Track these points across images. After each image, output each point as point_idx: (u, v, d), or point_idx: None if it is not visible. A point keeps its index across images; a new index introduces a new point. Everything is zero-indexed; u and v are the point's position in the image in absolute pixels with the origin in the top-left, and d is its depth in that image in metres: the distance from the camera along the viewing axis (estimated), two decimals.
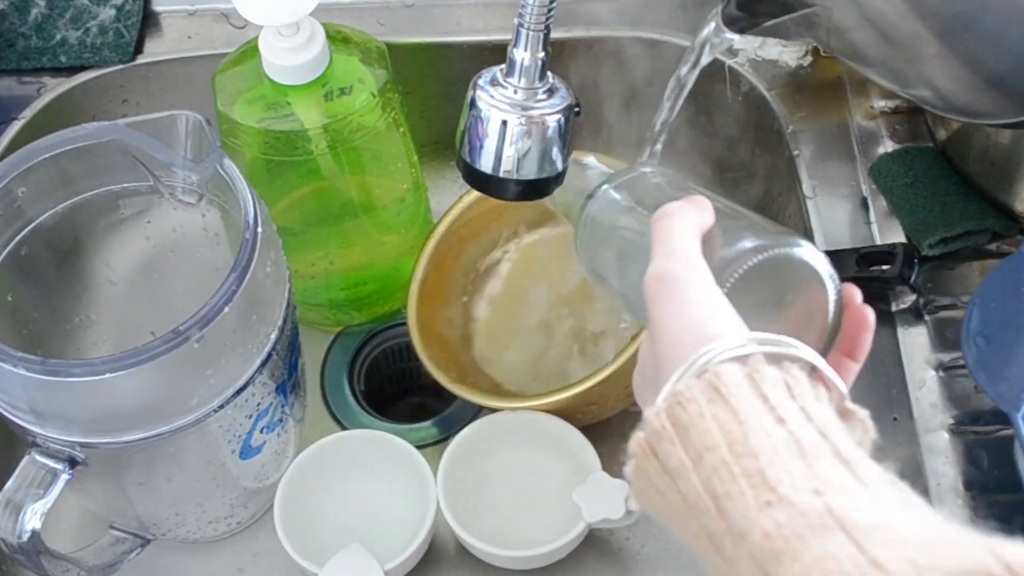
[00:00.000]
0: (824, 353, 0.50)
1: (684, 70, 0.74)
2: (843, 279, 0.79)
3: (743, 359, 0.43)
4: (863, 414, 0.44)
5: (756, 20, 0.70)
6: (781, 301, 0.51)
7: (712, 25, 0.72)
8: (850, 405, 0.45)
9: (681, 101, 0.75)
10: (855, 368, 0.51)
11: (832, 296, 0.51)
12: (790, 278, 0.51)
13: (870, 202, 0.83)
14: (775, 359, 0.44)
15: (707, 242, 0.50)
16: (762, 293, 0.50)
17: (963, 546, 0.36)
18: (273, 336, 0.69)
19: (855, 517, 0.37)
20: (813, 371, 0.45)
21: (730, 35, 0.71)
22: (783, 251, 0.50)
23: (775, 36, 0.77)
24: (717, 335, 0.44)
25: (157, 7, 0.93)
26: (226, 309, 0.63)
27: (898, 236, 0.81)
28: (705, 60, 0.73)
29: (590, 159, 0.69)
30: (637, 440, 0.44)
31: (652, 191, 0.61)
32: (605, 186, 0.63)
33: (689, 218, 0.50)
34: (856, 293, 0.51)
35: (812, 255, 0.50)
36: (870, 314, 0.51)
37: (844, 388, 0.45)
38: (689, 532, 0.42)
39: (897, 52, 0.68)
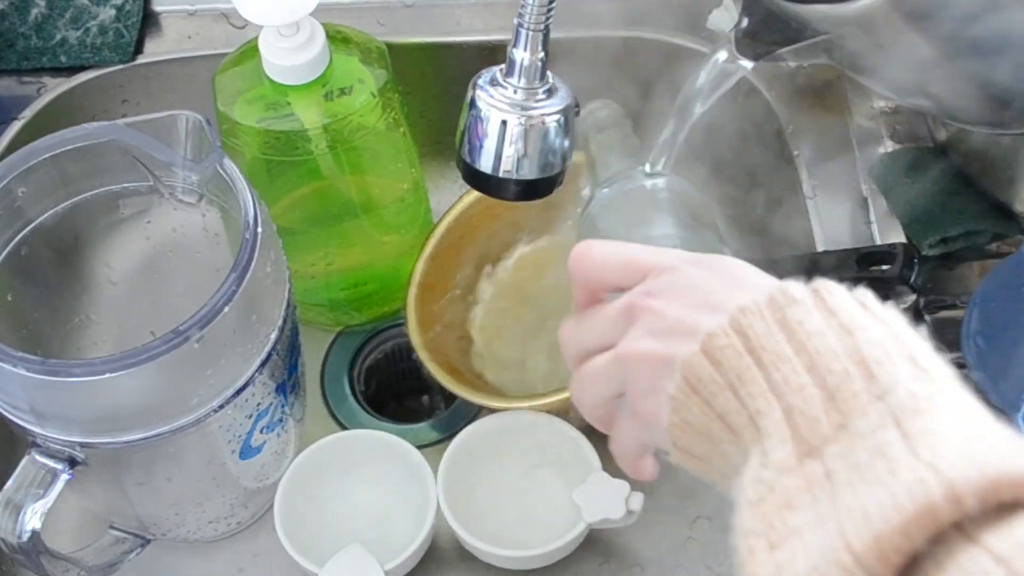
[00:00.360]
0: None
1: (698, 101, 0.74)
2: (843, 279, 0.79)
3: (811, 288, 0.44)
4: None
5: (769, 48, 0.70)
6: None
7: (724, 54, 0.71)
8: None
9: (689, 125, 0.75)
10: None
11: None
12: None
13: (870, 202, 0.83)
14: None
15: None
16: None
17: None
18: (273, 336, 0.69)
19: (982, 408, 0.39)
20: None
21: (744, 62, 0.71)
22: None
23: (790, 59, 0.77)
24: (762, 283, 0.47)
25: (157, 7, 0.93)
26: (226, 309, 0.63)
27: (898, 236, 0.81)
28: (722, 89, 0.73)
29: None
30: (686, 360, 0.44)
31: (648, 197, 0.62)
32: (606, 189, 0.63)
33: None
34: None
35: None
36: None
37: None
38: (725, 463, 0.43)
39: (909, 73, 0.68)
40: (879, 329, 0.42)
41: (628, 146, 0.70)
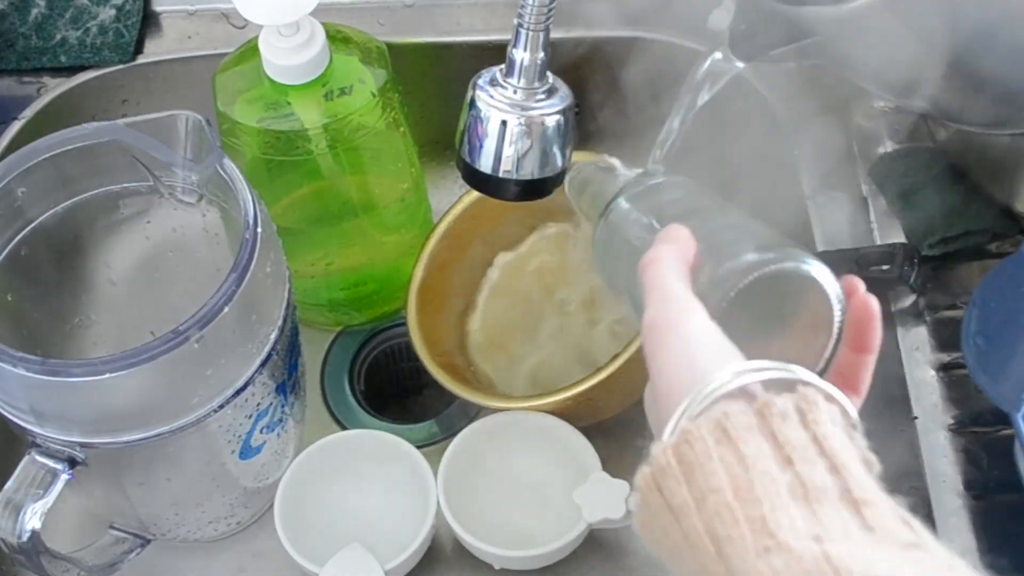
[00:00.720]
0: (830, 360, 0.50)
1: (692, 95, 0.73)
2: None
3: (751, 394, 0.44)
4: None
5: (763, 49, 0.69)
6: (780, 315, 0.51)
7: (718, 54, 0.71)
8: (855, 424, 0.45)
9: (687, 120, 0.75)
10: (871, 360, 0.51)
11: (834, 303, 0.50)
12: (786, 291, 0.50)
13: (870, 202, 0.83)
14: (785, 385, 0.44)
15: (698, 269, 0.51)
16: (759, 309, 0.50)
17: None
18: (273, 336, 0.69)
19: (851, 565, 0.38)
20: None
21: (738, 63, 0.71)
22: (775, 267, 0.49)
23: (785, 60, 0.76)
24: (712, 370, 0.45)
25: (157, 7, 0.93)
26: (226, 309, 0.63)
27: (898, 236, 0.80)
28: (716, 88, 0.72)
29: (615, 161, 0.69)
30: (643, 474, 0.44)
31: (666, 203, 0.61)
32: (621, 198, 0.62)
33: (672, 259, 0.50)
34: (859, 284, 0.51)
35: (807, 265, 0.49)
36: (873, 303, 0.50)
37: (852, 409, 0.45)
38: (688, 570, 0.43)
39: (903, 74, 0.68)
40: (729, 492, 0.42)
41: (614, 183, 0.69)
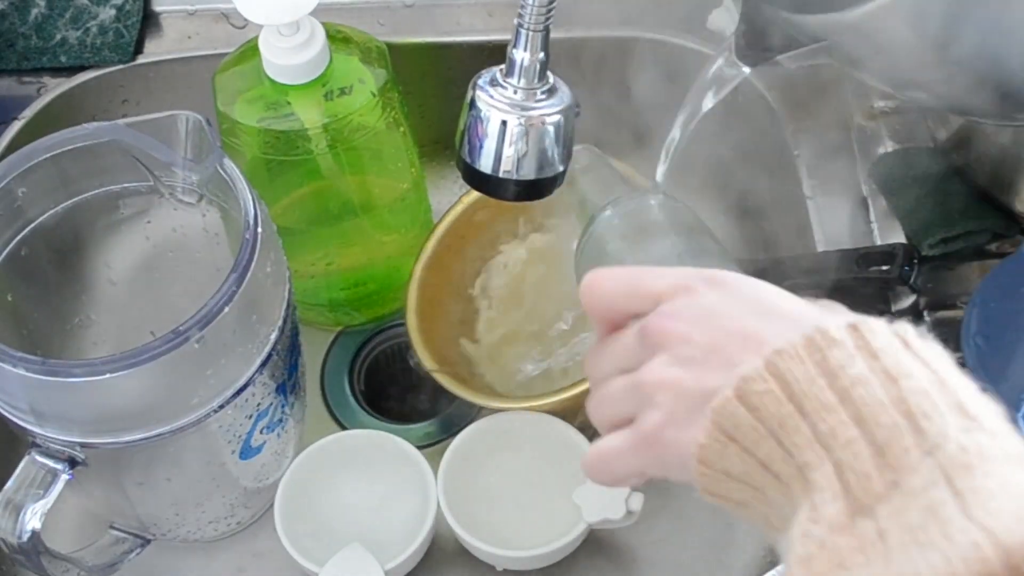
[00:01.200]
0: None
1: (697, 100, 0.73)
2: (843, 279, 0.79)
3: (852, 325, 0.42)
4: None
5: (767, 54, 0.69)
6: None
7: (722, 60, 0.71)
8: None
9: (691, 125, 0.74)
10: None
11: None
12: None
13: (870, 202, 0.83)
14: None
15: None
16: None
17: None
18: (273, 336, 0.69)
19: None
20: None
21: (745, 68, 0.71)
22: None
23: (790, 60, 0.76)
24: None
25: (157, 7, 0.93)
26: (226, 309, 0.63)
27: (898, 236, 0.81)
28: (722, 93, 0.72)
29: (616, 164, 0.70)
30: (807, 335, 0.41)
31: (651, 224, 0.62)
32: (609, 211, 0.63)
33: (605, 278, 0.51)
34: None
35: None
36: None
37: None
38: (801, 438, 0.40)
39: (910, 74, 0.68)
40: (924, 375, 0.40)
41: (615, 183, 0.70)
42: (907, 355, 0.41)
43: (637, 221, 0.63)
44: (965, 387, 0.40)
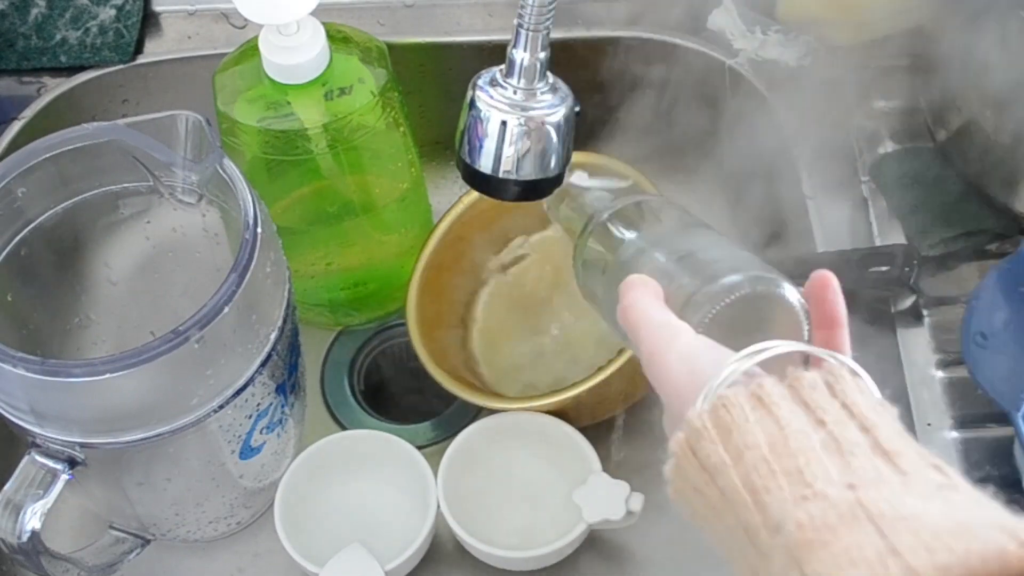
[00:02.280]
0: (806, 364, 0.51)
1: None
2: (843, 280, 0.79)
3: (782, 371, 0.46)
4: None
5: None
6: (754, 328, 0.53)
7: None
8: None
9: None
10: (844, 333, 0.52)
11: (800, 315, 0.53)
12: (758, 306, 0.53)
13: (870, 202, 0.83)
14: (811, 362, 0.47)
15: (675, 295, 0.54)
16: (736, 325, 0.53)
17: (984, 530, 0.38)
18: (273, 336, 0.69)
19: (883, 508, 0.39)
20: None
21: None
22: (747, 291, 0.52)
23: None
24: (720, 363, 0.47)
25: (157, 7, 0.93)
26: (226, 309, 0.63)
27: (898, 236, 0.81)
28: None
29: (583, 175, 0.70)
30: (677, 439, 0.46)
31: (646, 225, 0.62)
32: (606, 215, 0.63)
33: (647, 297, 0.54)
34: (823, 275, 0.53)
35: (774, 286, 0.53)
36: (826, 275, 0.53)
37: (870, 381, 0.47)
38: (724, 527, 0.44)
39: None
40: (764, 440, 0.43)
41: (592, 196, 0.71)
42: (757, 420, 0.44)
43: (633, 223, 0.63)
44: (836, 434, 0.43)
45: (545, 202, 0.73)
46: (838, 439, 0.43)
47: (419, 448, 0.79)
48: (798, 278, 0.79)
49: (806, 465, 0.42)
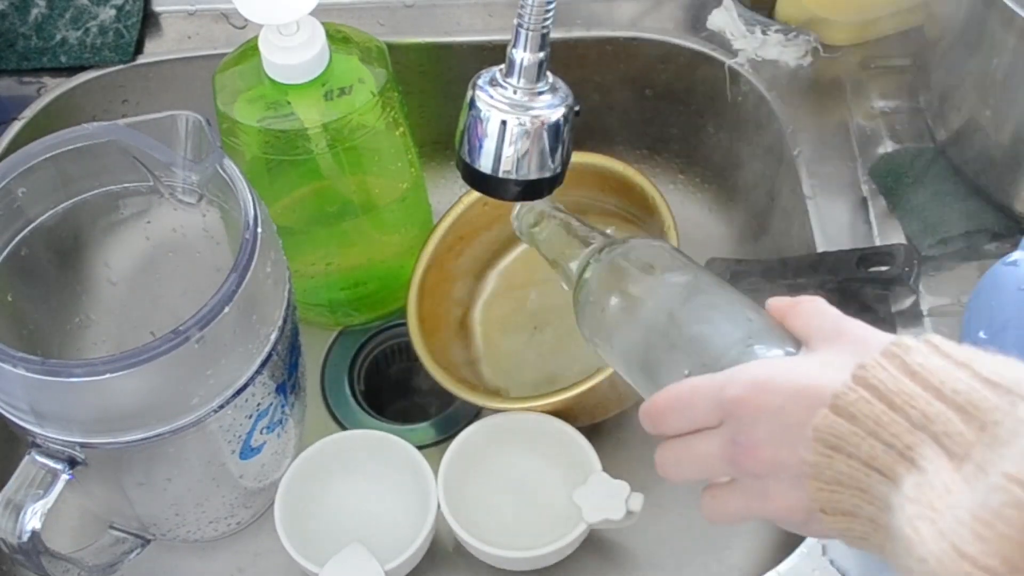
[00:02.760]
0: None
1: None
2: (843, 280, 0.79)
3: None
4: None
5: None
6: None
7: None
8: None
9: None
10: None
11: None
12: None
13: (870, 202, 0.83)
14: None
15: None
16: None
17: None
18: (273, 336, 0.69)
19: None
20: None
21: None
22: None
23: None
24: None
25: (157, 7, 0.93)
26: (226, 309, 0.63)
27: (898, 236, 0.80)
28: None
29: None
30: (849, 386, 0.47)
31: (642, 271, 0.63)
32: (606, 254, 0.64)
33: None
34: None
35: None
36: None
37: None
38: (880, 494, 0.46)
39: None
40: (990, 361, 0.46)
41: (570, 227, 0.71)
42: (973, 353, 0.46)
43: (632, 265, 0.63)
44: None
45: (515, 217, 0.74)
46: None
47: (419, 448, 0.79)
48: (798, 278, 0.79)
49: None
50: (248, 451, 0.73)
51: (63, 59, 0.90)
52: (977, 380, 0.44)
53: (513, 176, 0.62)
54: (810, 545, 0.70)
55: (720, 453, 0.52)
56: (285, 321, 0.71)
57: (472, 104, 0.62)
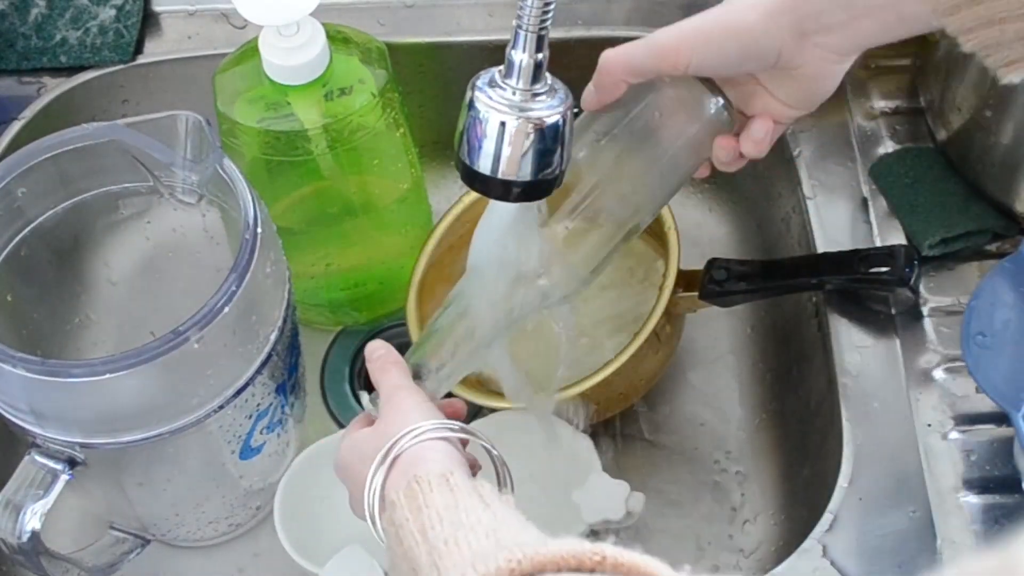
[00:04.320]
0: None
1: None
2: (843, 280, 0.79)
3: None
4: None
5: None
6: None
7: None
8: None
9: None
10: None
11: None
12: None
13: (870, 202, 0.83)
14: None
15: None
16: None
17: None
18: (273, 336, 0.69)
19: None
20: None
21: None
22: None
23: None
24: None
25: (157, 7, 0.93)
26: (226, 309, 0.63)
27: (898, 237, 0.81)
28: None
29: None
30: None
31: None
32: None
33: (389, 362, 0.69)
34: None
35: None
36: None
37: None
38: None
39: None
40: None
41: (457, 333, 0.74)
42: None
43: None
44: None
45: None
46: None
47: None
48: (798, 279, 0.79)
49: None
50: (248, 451, 0.73)
51: (63, 59, 0.90)
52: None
53: (512, 177, 0.62)
54: (810, 545, 0.70)
55: None
56: (285, 321, 0.71)
57: (471, 105, 0.62)
